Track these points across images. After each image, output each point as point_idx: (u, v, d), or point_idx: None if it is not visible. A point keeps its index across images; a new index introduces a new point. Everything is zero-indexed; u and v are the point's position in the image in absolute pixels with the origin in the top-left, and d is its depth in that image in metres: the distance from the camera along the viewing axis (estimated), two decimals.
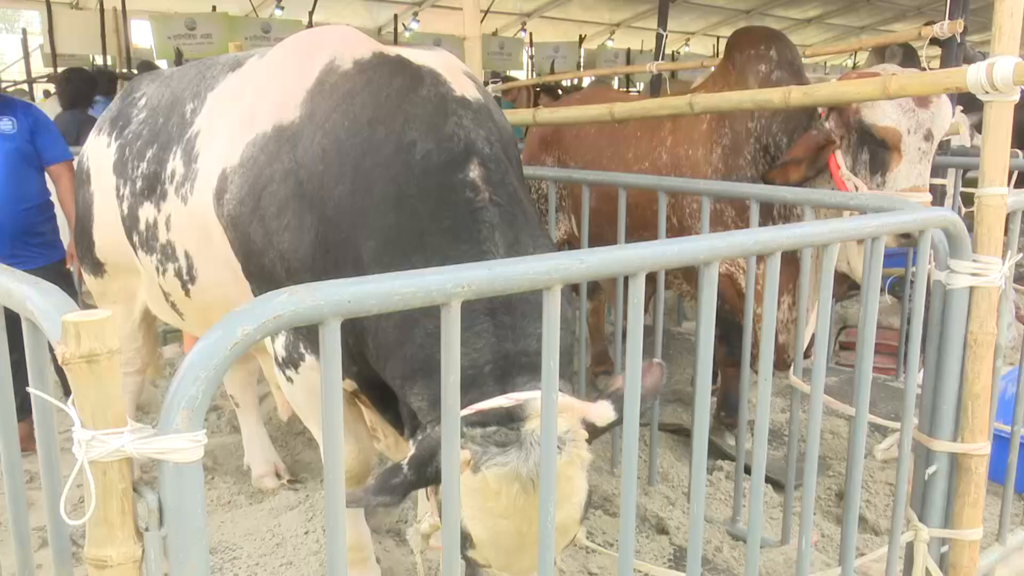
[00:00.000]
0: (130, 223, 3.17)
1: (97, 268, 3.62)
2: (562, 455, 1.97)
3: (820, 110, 3.61)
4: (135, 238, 3.16)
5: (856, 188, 3.48)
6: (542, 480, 1.77)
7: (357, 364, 2.48)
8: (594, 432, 2.06)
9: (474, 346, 2.13)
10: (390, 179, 2.35)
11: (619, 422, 2.09)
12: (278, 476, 4.04)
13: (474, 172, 2.32)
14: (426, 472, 1.97)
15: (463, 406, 2.04)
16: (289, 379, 2.68)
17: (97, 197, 3.47)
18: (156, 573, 1.36)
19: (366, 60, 2.57)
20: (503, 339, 2.17)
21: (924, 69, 4.80)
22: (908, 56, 7.89)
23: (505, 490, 1.94)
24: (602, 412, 2.07)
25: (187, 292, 2.98)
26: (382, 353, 2.32)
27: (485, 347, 2.15)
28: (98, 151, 3.47)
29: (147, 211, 3.06)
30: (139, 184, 3.10)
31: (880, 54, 8.47)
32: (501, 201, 2.32)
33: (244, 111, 2.70)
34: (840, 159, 3.54)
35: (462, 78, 2.61)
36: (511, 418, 2.02)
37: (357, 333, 2.36)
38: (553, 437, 1.75)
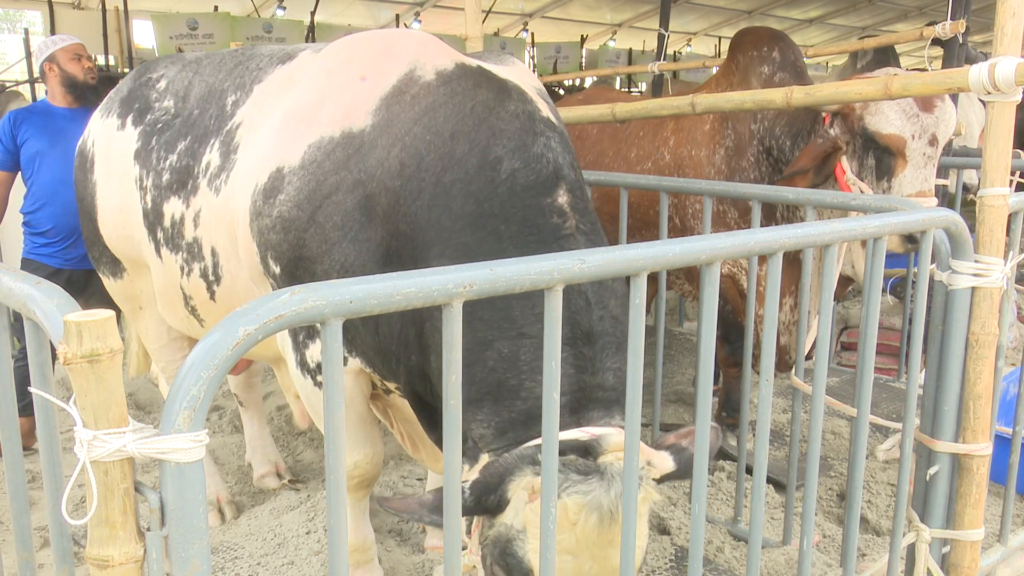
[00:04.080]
0: (154, 218, 3.01)
1: (115, 268, 3.43)
2: (640, 491, 1.92)
3: (824, 115, 3.59)
4: (159, 234, 3.00)
5: (861, 192, 3.47)
6: (616, 512, 1.78)
7: (412, 380, 2.42)
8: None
9: None
10: (470, 195, 2.27)
11: (678, 476, 2.05)
12: (279, 476, 4.01)
13: (563, 198, 2.25)
14: (487, 500, 1.91)
15: (537, 435, 1.97)
16: (320, 384, 2.60)
17: (102, 186, 3.27)
18: (158, 573, 1.36)
19: (449, 71, 2.48)
20: (581, 371, 2.11)
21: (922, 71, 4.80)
22: (878, 60, 7.93)
23: (583, 521, 1.88)
24: (662, 461, 2.03)
25: (212, 295, 2.86)
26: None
27: (563, 377, 2.01)
28: (107, 134, 3.27)
29: (174, 206, 2.91)
30: (166, 177, 2.95)
31: (853, 57, 8.51)
32: (586, 229, 2.26)
33: (304, 107, 2.58)
34: (845, 164, 3.53)
35: (540, 99, 2.54)
36: (587, 452, 1.96)
37: (423, 349, 2.31)
38: (554, 445, 1.73)
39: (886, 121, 3.41)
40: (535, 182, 2.26)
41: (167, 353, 3.62)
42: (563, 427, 1.99)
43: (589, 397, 2.10)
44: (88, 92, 4.34)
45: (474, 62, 2.56)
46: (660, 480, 2.02)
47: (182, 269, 2.94)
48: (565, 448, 1.93)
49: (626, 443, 1.86)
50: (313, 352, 2.59)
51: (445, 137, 2.35)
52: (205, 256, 2.84)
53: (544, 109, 2.45)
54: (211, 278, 2.84)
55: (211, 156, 2.80)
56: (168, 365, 3.67)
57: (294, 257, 2.48)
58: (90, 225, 3.42)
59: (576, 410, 2.08)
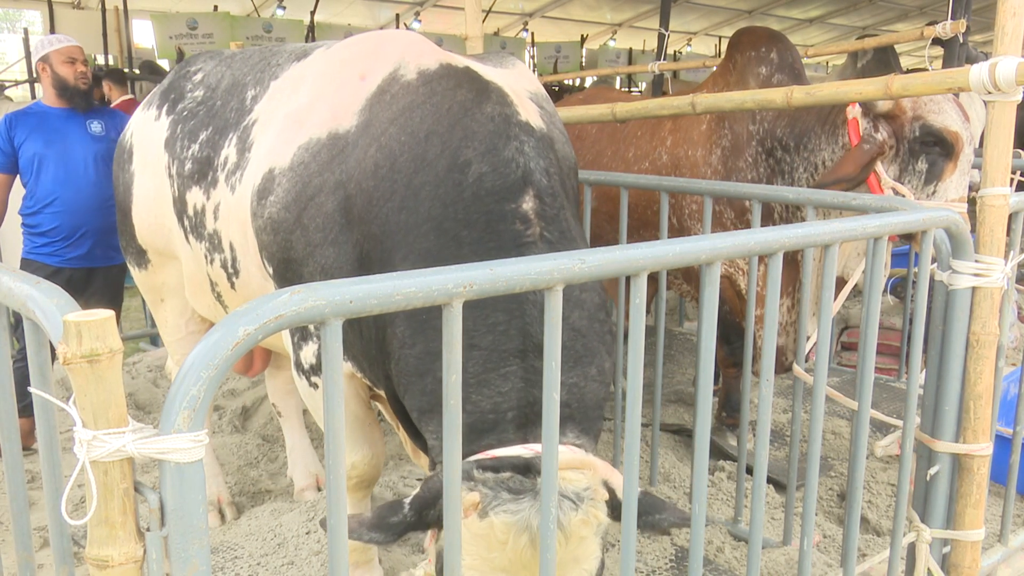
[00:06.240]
0: (179, 206, 3.04)
1: (140, 258, 3.46)
2: (578, 512, 1.86)
3: (850, 119, 3.52)
4: (185, 222, 3.03)
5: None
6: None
7: (391, 385, 2.39)
8: (614, 502, 1.94)
9: (499, 389, 2.03)
10: (437, 198, 2.22)
11: (642, 510, 1.96)
12: (319, 489, 3.90)
13: (528, 204, 2.18)
14: (427, 515, 1.88)
15: (479, 450, 1.96)
16: (314, 385, 2.60)
17: (138, 175, 3.31)
18: (157, 573, 1.35)
19: (431, 71, 2.44)
20: (531, 384, 2.04)
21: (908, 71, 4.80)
22: (879, 60, 7.91)
23: (512, 541, 1.83)
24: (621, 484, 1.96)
25: (232, 285, 2.88)
26: (403, 382, 2.22)
27: (511, 391, 2.03)
28: (145, 125, 3.31)
29: (196, 196, 2.93)
30: (187, 166, 2.97)
31: (853, 57, 8.49)
32: (552, 238, 2.18)
33: (300, 108, 2.58)
34: (880, 168, 3.44)
35: (527, 103, 2.48)
36: (528, 469, 1.91)
37: (385, 357, 2.29)
38: (554, 443, 1.71)
39: (951, 119, 3.34)
40: (501, 187, 2.19)
41: (184, 347, 3.62)
42: (507, 443, 1.97)
43: (538, 413, 2.00)
44: (77, 96, 4.32)
45: (463, 62, 2.51)
46: (616, 516, 1.93)
47: (206, 257, 2.97)
48: (503, 465, 1.90)
49: (626, 443, 1.85)
50: (306, 354, 2.59)
51: (420, 138, 2.31)
52: (224, 249, 2.86)
53: (525, 112, 2.38)
54: (230, 270, 2.86)
55: (229, 151, 2.82)
56: (183, 359, 3.65)
57: (283, 259, 2.48)
58: (123, 214, 3.47)
59: (523, 426, 2.03)
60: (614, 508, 1.95)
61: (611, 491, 1.96)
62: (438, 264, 2.07)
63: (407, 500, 1.90)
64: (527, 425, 2.03)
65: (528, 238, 2.15)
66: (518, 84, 2.58)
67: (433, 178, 2.25)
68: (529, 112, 2.41)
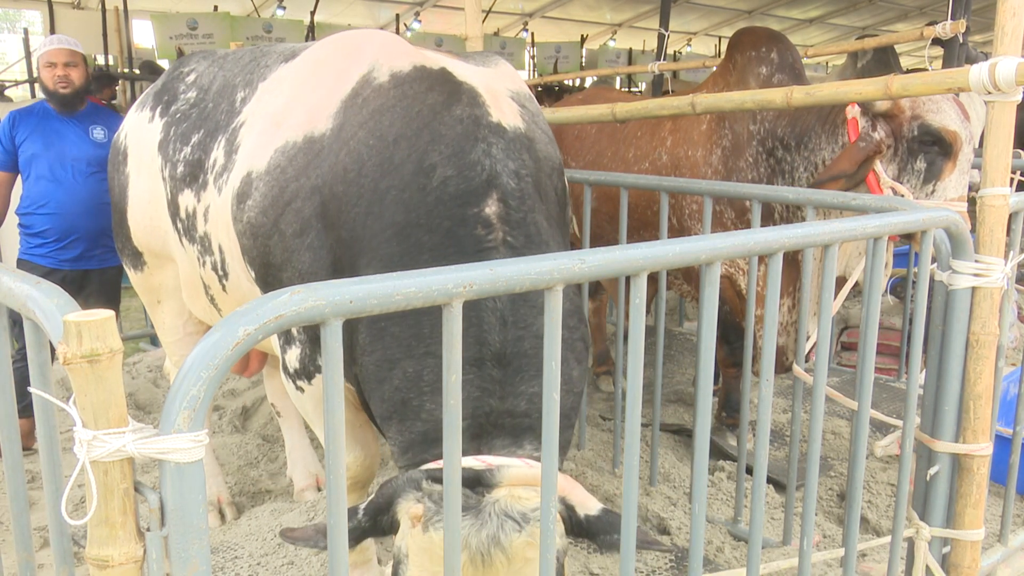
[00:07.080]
0: (173, 209, 3.04)
1: (136, 260, 3.46)
2: (522, 533, 1.82)
3: (850, 119, 3.54)
4: (178, 225, 3.02)
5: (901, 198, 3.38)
6: (489, 553, 1.72)
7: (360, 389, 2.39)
8: (573, 519, 1.90)
9: None
10: (402, 203, 2.19)
11: (594, 531, 1.91)
12: (319, 489, 3.90)
13: (491, 208, 2.12)
14: (381, 521, 1.87)
15: (432, 459, 1.95)
16: (300, 389, 2.60)
17: (133, 177, 3.30)
18: (157, 573, 1.36)
19: (403, 73, 2.40)
20: (488, 394, 2.01)
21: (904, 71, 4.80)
22: (879, 60, 7.91)
23: None
24: (587, 501, 1.92)
25: (224, 287, 2.88)
26: (366, 388, 2.22)
27: (466, 401, 1.95)
28: (139, 127, 3.30)
29: (187, 199, 2.92)
30: (180, 169, 2.96)
31: (853, 57, 8.50)
32: (516, 244, 2.12)
33: (278, 110, 2.57)
34: (879, 168, 3.43)
35: (505, 102, 2.41)
36: (478, 482, 1.87)
37: (352, 363, 2.28)
38: (554, 443, 1.70)
39: (949, 119, 3.34)
40: (465, 191, 2.14)
41: (181, 348, 3.61)
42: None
43: (494, 423, 2.00)
44: (55, 101, 4.29)
45: (439, 63, 2.46)
46: (576, 533, 1.90)
47: (199, 260, 2.97)
48: None
49: (626, 443, 1.85)
50: (290, 357, 2.57)
51: (388, 142, 2.27)
52: (214, 251, 2.86)
53: (498, 113, 2.31)
54: (220, 272, 2.86)
55: (218, 153, 2.81)
56: (181, 360, 3.65)
57: (263, 263, 2.47)
58: (119, 216, 3.46)
59: (478, 436, 2.00)
60: (575, 526, 1.92)
61: (570, 508, 1.92)
62: (400, 270, 2.07)
63: (362, 506, 1.89)
64: (482, 436, 2.01)
65: (489, 243, 2.10)
66: (499, 83, 2.54)
67: (399, 182, 2.22)
68: (504, 112, 2.35)
